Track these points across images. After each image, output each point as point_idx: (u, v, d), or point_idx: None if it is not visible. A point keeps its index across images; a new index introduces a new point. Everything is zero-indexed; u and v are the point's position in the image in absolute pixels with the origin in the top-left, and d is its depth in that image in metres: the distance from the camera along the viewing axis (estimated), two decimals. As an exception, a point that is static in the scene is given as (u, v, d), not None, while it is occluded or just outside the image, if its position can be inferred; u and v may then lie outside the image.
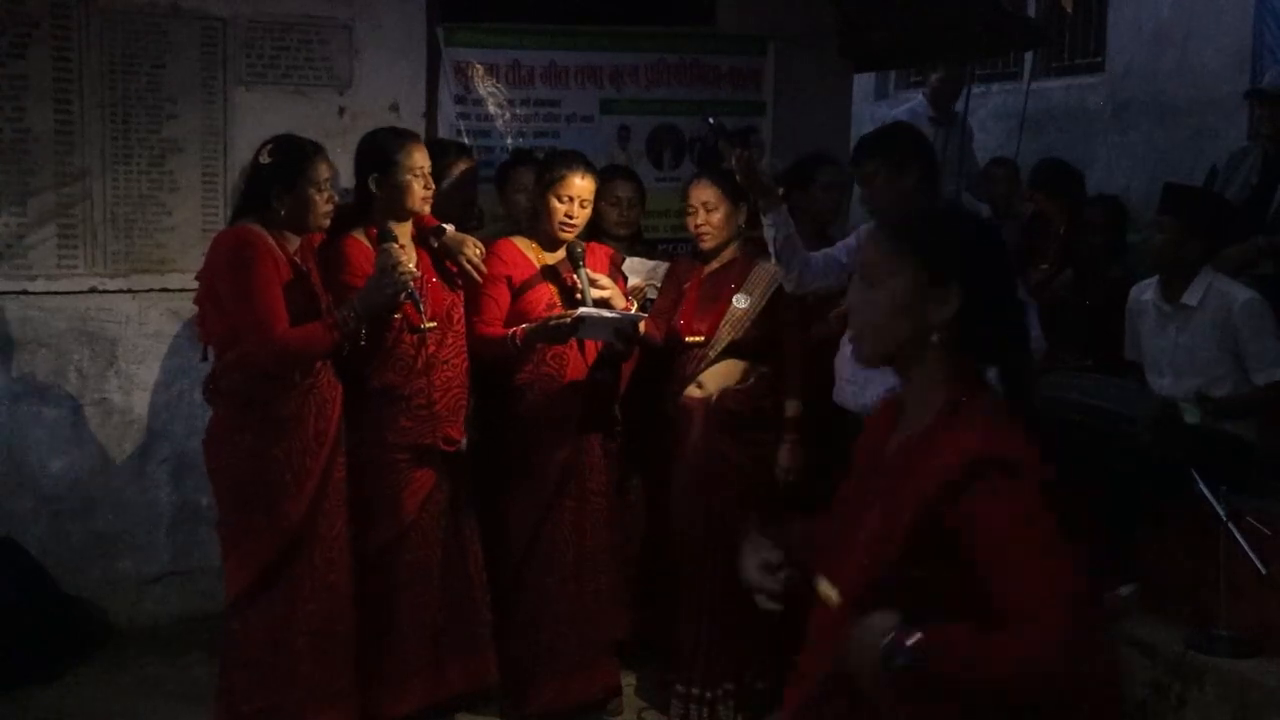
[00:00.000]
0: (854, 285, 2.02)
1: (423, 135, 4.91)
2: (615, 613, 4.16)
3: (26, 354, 4.63)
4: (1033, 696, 1.73)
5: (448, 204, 4.18)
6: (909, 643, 1.67)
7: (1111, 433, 4.12)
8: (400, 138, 3.82)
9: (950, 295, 1.89)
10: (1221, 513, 3.79)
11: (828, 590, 1.91)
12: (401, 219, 3.78)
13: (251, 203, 3.59)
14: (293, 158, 3.56)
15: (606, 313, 3.90)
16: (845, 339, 3.96)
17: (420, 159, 3.76)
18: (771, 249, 3.88)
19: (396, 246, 3.65)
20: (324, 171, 3.60)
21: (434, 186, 3.83)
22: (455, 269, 3.91)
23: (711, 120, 4.30)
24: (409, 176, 3.73)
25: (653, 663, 4.31)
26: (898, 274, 1.92)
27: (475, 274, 3.88)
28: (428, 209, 3.82)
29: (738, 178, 3.78)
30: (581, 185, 4.00)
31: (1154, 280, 4.41)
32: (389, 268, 3.57)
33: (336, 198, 3.69)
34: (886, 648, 1.68)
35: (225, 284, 3.51)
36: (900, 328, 1.93)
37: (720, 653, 4.09)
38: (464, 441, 3.91)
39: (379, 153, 3.76)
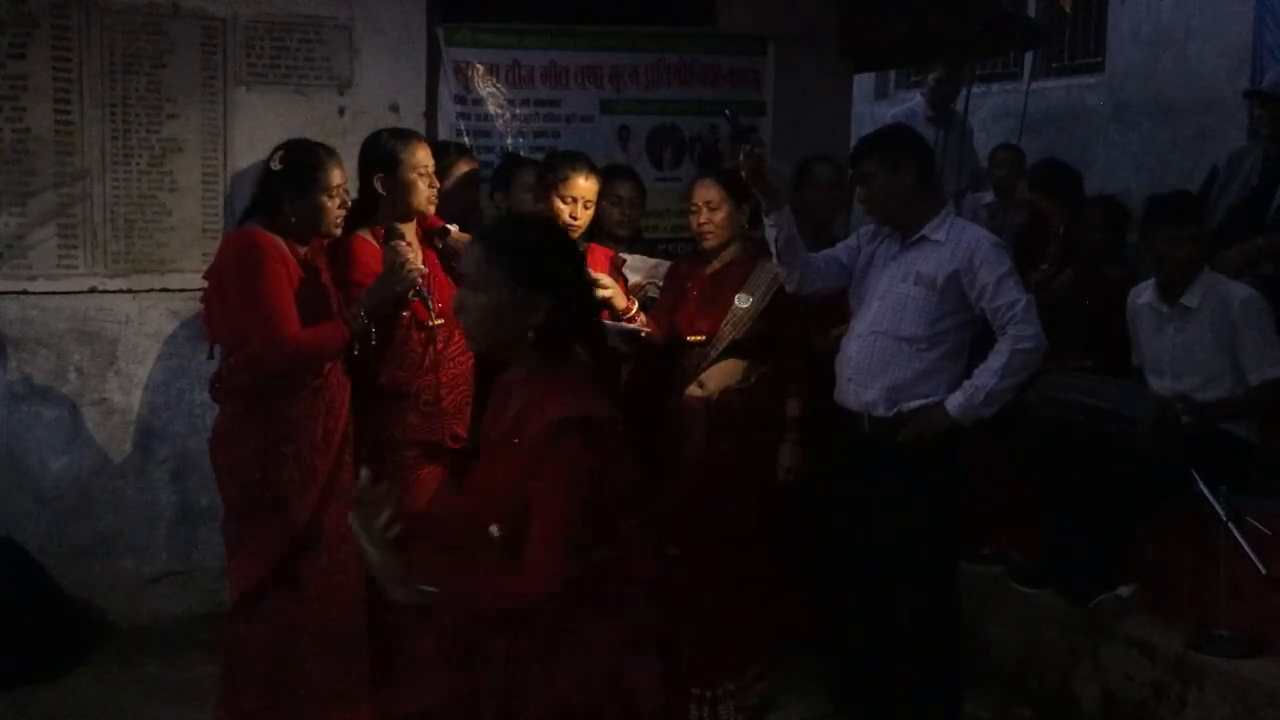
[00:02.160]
0: (463, 288, 2.46)
1: (423, 135, 4.93)
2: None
3: (26, 354, 4.63)
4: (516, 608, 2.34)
5: (450, 205, 4.17)
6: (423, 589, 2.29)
7: (1111, 433, 4.12)
8: (404, 137, 3.82)
9: (541, 302, 2.36)
10: (1221, 513, 3.80)
11: (494, 529, 2.39)
12: (407, 219, 3.78)
13: (263, 208, 3.59)
14: (305, 164, 3.56)
15: (606, 323, 3.90)
16: (845, 339, 3.97)
17: (425, 158, 3.77)
18: (773, 248, 3.89)
19: (404, 244, 3.65)
20: (336, 177, 3.59)
21: (438, 186, 3.83)
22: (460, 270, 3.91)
23: (728, 112, 4.32)
24: (414, 175, 3.73)
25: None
26: (498, 285, 2.36)
27: None
28: (433, 209, 3.82)
29: (743, 174, 3.78)
30: (585, 186, 4.00)
31: (1150, 283, 4.41)
32: (397, 265, 3.58)
33: (349, 202, 3.69)
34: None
35: (234, 285, 3.51)
36: (503, 328, 2.39)
37: (720, 653, 4.09)
38: (469, 437, 3.92)
39: (384, 152, 3.76)
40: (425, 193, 3.76)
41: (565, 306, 2.38)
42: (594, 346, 2.51)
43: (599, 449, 2.30)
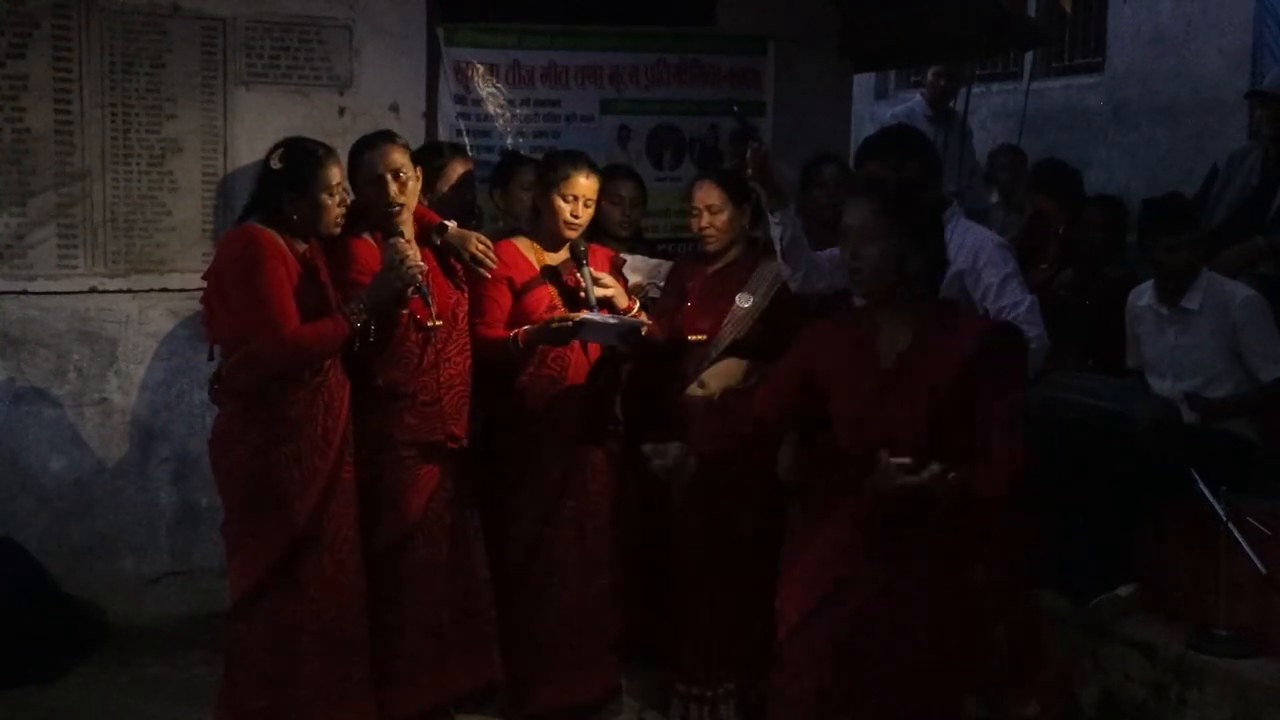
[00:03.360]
0: (853, 241, 2.85)
1: (422, 135, 4.94)
2: (616, 613, 4.16)
3: (26, 354, 4.63)
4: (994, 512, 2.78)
5: (447, 206, 4.17)
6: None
7: (1111, 433, 4.12)
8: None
9: (925, 250, 2.83)
10: (1221, 513, 3.80)
11: (893, 459, 2.64)
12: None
13: (262, 206, 3.59)
14: (305, 163, 3.55)
15: (609, 318, 3.90)
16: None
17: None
18: (778, 247, 3.89)
19: (404, 241, 3.65)
20: (335, 175, 3.58)
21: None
22: (460, 267, 3.91)
23: (736, 109, 4.33)
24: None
25: (653, 663, 4.31)
26: (891, 235, 2.79)
27: (485, 263, 3.86)
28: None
29: (749, 171, 3.78)
30: (586, 184, 4.00)
31: (1150, 284, 4.41)
32: (397, 261, 3.57)
33: (348, 200, 3.68)
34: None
35: (234, 283, 3.51)
36: (892, 274, 2.81)
37: (720, 653, 4.09)
38: (467, 438, 3.92)
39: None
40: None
41: (938, 251, 2.91)
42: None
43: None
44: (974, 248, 3.79)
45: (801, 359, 3.02)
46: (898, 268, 2.81)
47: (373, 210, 3.74)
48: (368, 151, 3.74)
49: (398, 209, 3.71)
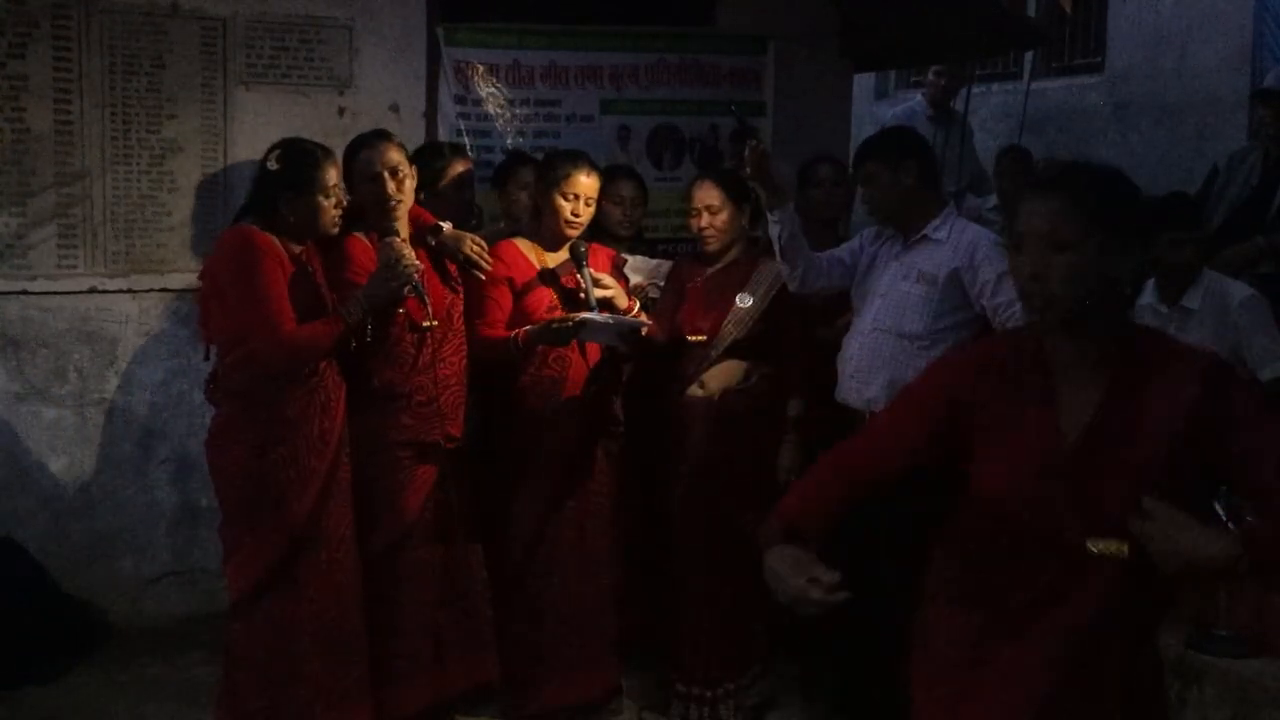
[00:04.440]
0: (1034, 251, 2.11)
1: (422, 135, 4.94)
2: (616, 613, 4.16)
3: (26, 354, 4.63)
4: None
5: (445, 206, 4.17)
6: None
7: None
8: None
9: (1134, 250, 2.10)
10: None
11: (1111, 545, 2.07)
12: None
13: (258, 207, 3.59)
14: (301, 164, 3.54)
15: (609, 318, 3.90)
16: (847, 338, 3.97)
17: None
18: (776, 246, 3.89)
19: (399, 240, 3.65)
20: (332, 176, 3.58)
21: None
22: (455, 268, 3.91)
23: (734, 108, 4.32)
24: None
25: (653, 663, 4.31)
26: (1090, 240, 2.07)
27: (480, 263, 3.86)
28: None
29: (747, 170, 3.79)
30: (587, 183, 4.00)
31: (1150, 283, 4.41)
32: (393, 260, 3.57)
33: (345, 202, 3.68)
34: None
35: (230, 283, 3.51)
36: (1092, 292, 2.08)
37: (720, 653, 4.09)
38: (464, 438, 3.92)
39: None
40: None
41: (1145, 265, 2.16)
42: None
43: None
44: (970, 245, 3.80)
45: (942, 388, 2.31)
46: (1098, 284, 2.08)
47: (369, 210, 3.74)
48: (364, 150, 3.74)
49: (395, 206, 3.72)
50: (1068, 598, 2.12)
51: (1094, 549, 2.07)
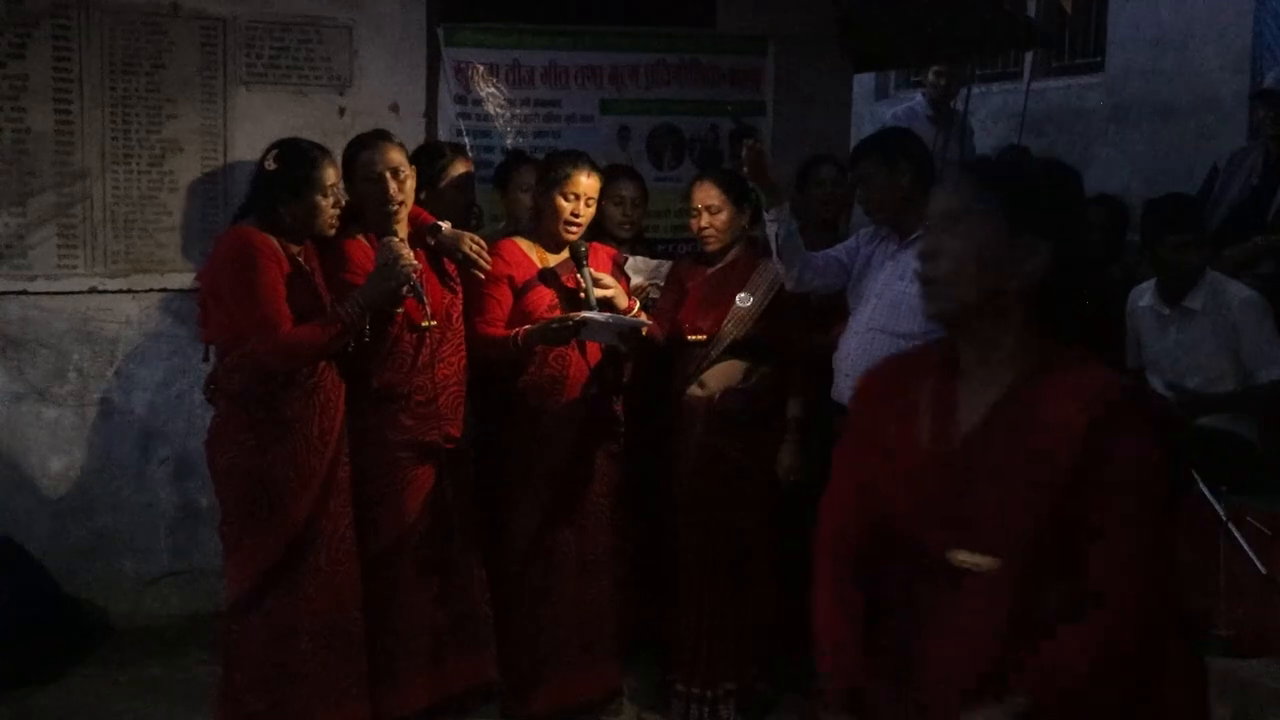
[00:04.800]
0: (931, 233, 1.95)
1: (422, 135, 4.94)
2: (616, 613, 4.16)
3: (26, 354, 4.63)
4: (1115, 683, 1.77)
5: (445, 207, 4.17)
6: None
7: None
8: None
9: (1040, 248, 1.84)
10: (1221, 513, 3.79)
11: (972, 558, 1.84)
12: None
13: (256, 207, 3.59)
14: (299, 164, 3.55)
15: (609, 316, 3.90)
16: (843, 337, 3.97)
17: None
18: (773, 245, 3.89)
19: (398, 241, 3.65)
20: (331, 177, 3.58)
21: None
22: (454, 267, 3.91)
23: (730, 108, 4.32)
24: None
25: (653, 663, 4.31)
26: (985, 220, 1.86)
27: (479, 263, 3.86)
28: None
29: (745, 169, 3.79)
30: (587, 184, 4.00)
31: (1150, 284, 4.41)
32: (392, 260, 3.57)
33: (343, 201, 3.68)
34: None
35: (228, 284, 3.51)
36: (986, 280, 1.86)
37: (720, 653, 4.09)
38: (463, 438, 3.92)
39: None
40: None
41: (1069, 260, 1.86)
42: (1090, 336, 1.93)
43: (1160, 434, 1.78)
44: None
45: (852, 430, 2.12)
46: (991, 276, 1.86)
47: (369, 210, 3.74)
48: (365, 150, 3.74)
49: (397, 208, 3.71)
50: (950, 620, 1.90)
51: (955, 561, 1.85)
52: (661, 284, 4.37)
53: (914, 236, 3.86)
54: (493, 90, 5.19)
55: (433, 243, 3.86)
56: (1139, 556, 1.76)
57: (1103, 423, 1.78)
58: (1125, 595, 1.75)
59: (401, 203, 3.72)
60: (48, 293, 4.62)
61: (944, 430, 1.92)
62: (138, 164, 4.69)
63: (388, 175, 3.69)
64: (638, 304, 4.13)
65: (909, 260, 3.85)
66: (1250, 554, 3.73)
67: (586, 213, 4.03)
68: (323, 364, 3.60)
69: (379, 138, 3.79)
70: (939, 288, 1.91)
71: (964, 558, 1.84)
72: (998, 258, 1.85)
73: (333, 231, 3.65)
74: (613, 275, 4.09)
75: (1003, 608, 1.82)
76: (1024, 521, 1.81)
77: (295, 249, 3.59)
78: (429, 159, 4.28)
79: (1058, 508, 1.79)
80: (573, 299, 4.01)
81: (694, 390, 4.12)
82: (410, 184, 3.77)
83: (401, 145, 3.82)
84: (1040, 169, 1.99)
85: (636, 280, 4.32)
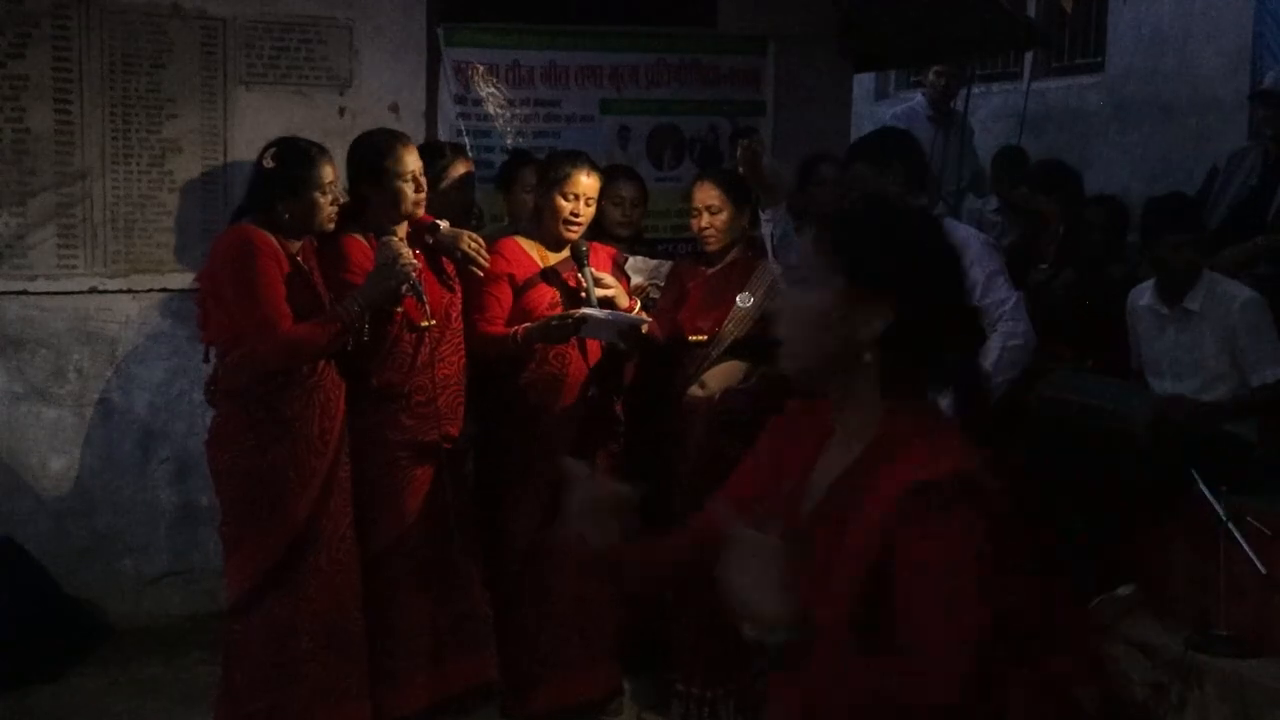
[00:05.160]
0: (784, 291, 1.88)
1: (423, 135, 4.93)
2: (616, 613, 4.16)
3: (26, 354, 4.63)
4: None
5: (445, 206, 4.17)
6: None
7: (1111, 433, 4.12)
8: (390, 140, 3.78)
9: (882, 307, 1.70)
10: (1221, 513, 3.79)
11: (765, 632, 1.71)
12: (396, 222, 3.78)
13: (255, 206, 3.59)
14: (297, 162, 3.56)
15: (609, 314, 3.90)
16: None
17: (411, 162, 3.73)
18: (769, 245, 3.90)
19: (397, 240, 3.66)
20: (328, 174, 3.60)
21: (425, 189, 3.80)
22: (452, 266, 3.91)
23: (726, 109, 4.32)
24: (400, 182, 3.70)
25: (653, 663, 4.31)
26: (826, 279, 1.74)
27: (478, 260, 3.86)
28: (421, 211, 3.80)
29: (740, 168, 3.80)
30: (587, 183, 4.00)
31: (1150, 284, 4.41)
32: (391, 260, 3.58)
33: (341, 199, 3.69)
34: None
35: (228, 284, 3.52)
36: (826, 342, 1.73)
37: (720, 653, 4.09)
38: (462, 438, 3.92)
39: (370, 159, 3.73)
40: (412, 198, 3.73)
41: (918, 317, 1.72)
42: (957, 384, 1.80)
43: (990, 517, 1.62)
44: (959, 245, 3.80)
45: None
46: (833, 332, 1.73)
47: (383, 209, 3.74)
48: (401, 147, 3.75)
49: (415, 209, 3.76)
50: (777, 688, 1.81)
51: (747, 634, 1.72)
52: (661, 284, 4.37)
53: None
54: (493, 90, 5.19)
55: (431, 241, 3.87)
56: (948, 637, 1.59)
57: (900, 518, 1.63)
58: (932, 665, 1.58)
59: (418, 204, 3.76)
60: (48, 293, 4.62)
61: (795, 504, 1.81)
62: (138, 164, 4.69)
63: (419, 177, 3.74)
64: (638, 304, 4.13)
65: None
66: (1250, 554, 3.73)
67: (586, 212, 4.03)
68: (322, 363, 3.60)
69: (403, 139, 3.83)
70: (786, 349, 1.79)
71: (753, 632, 1.71)
72: (837, 318, 1.72)
73: (331, 227, 3.66)
74: (613, 275, 4.09)
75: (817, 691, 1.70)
76: (836, 612, 1.67)
77: (294, 247, 3.60)
78: (429, 159, 4.27)
79: (863, 601, 1.66)
80: (573, 298, 4.01)
81: (694, 390, 4.12)
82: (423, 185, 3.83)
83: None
84: (884, 218, 1.84)
85: (636, 280, 4.32)
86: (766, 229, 3.87)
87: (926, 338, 1.73)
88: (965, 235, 3.87)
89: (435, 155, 4.36)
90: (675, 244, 5.23)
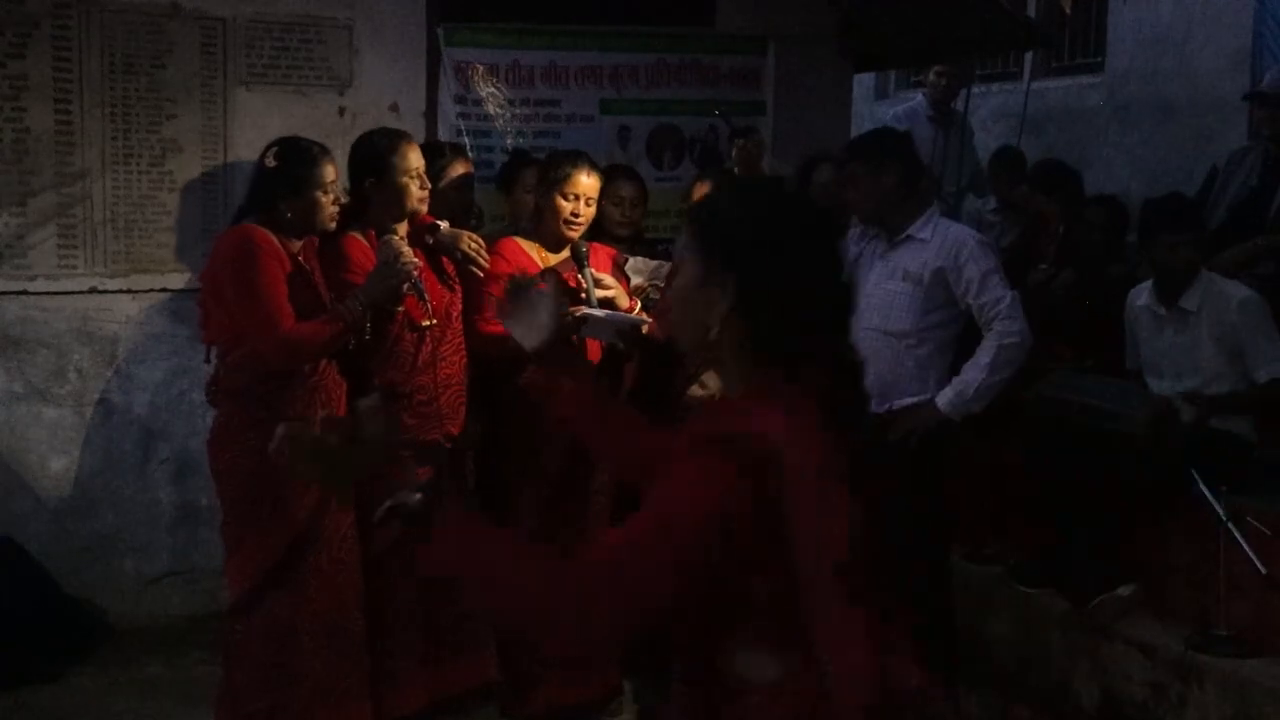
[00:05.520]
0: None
1: (423, 135, 4.93)
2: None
3: (26, 354, 4.63)
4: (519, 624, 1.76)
5: (445, 206, 4.17)
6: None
7: (1111, 433, 4.12)
8: (394, 139, 3.81)
9: (728, 286, 1.73)
10: (1221, 513, 3.79)
11: None
12: (398, 220, 3.79)
13: (256, 205, 3.60)
14: (299, 161, 3.56)
15: (609, 313, 3.90)
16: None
17: (415, 160, 3.75)
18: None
19: (398, 239, 3.66)
20: (330, 174, 3.60)
21: (429, 186, 3.83)
22: (452, 266, 3.91)
23: (718, 111, 4.32)
24: (405, 179, 3.72)
25: (653, 663, 4.30)
26: (689, 264, 1.80)
27: (478, 261, 3.87)
28: (424, 209, 3.82)
29: (736, 170, 3.81)
30: (587, 183, 4.01)
31: (1148, 284, 4.41)
32: (392, 259, 3.58)
33: (343, 198, 3.69)
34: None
35: (229, 283, 3.52)
36: (687, 319, 1.80)
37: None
38: (462, 437, 3.92)
39: (373, 156, 3.75)
40: (416, 194, 3.76)
41: (764, 294, 1.74)
42: (835, 365, 1.83)
43: (754, 481, 1.63)
44: (955, 244, 3.84)
45: None
46: (694, 314, 1.79)
47: (388, 207, 3.75)
48: (405, 146, 3.77)
49: (419, 207, 3.77)
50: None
51: (380, 511, 1.89)
52: (661, 284, 4.36)
53: (903, 236, 3.90)
54: (493, 90, 5.19)
55: (431, 241, 3.87)
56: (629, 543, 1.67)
57: (670, 459, 1.72)
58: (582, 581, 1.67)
59: (422, 201, 3.78)
60: (48, 293, 4.62)
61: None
62: (138, 164, 4.69)
63: (423, 175, 3.76)
64: (638, 304, 4.13)
65: (898, 260, 3.90)
66: (1250, 554, 3.72)
67: (586, 212, 4.03)
68: (324, 363, 3.61)
69: (407, 137, 3.84)
70: (670, 326, 1.91)
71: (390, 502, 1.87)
72: (693, 297, 1.78)
73: (332, 226, 3.66)
74: (613, 275, 4.09)
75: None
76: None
77: (296, 247, 3.60)
78: (429, 159, 4.28)
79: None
80: (574, 298, 4.01)
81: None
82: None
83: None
84: (734, 201, 1.87)
85: (636, 280, 4.32)
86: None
87: (774, 315, 1.75)
88: (960, 234, 3.89)
89: (434, 155, 4.36)
90: (675, 244, 5.22)
